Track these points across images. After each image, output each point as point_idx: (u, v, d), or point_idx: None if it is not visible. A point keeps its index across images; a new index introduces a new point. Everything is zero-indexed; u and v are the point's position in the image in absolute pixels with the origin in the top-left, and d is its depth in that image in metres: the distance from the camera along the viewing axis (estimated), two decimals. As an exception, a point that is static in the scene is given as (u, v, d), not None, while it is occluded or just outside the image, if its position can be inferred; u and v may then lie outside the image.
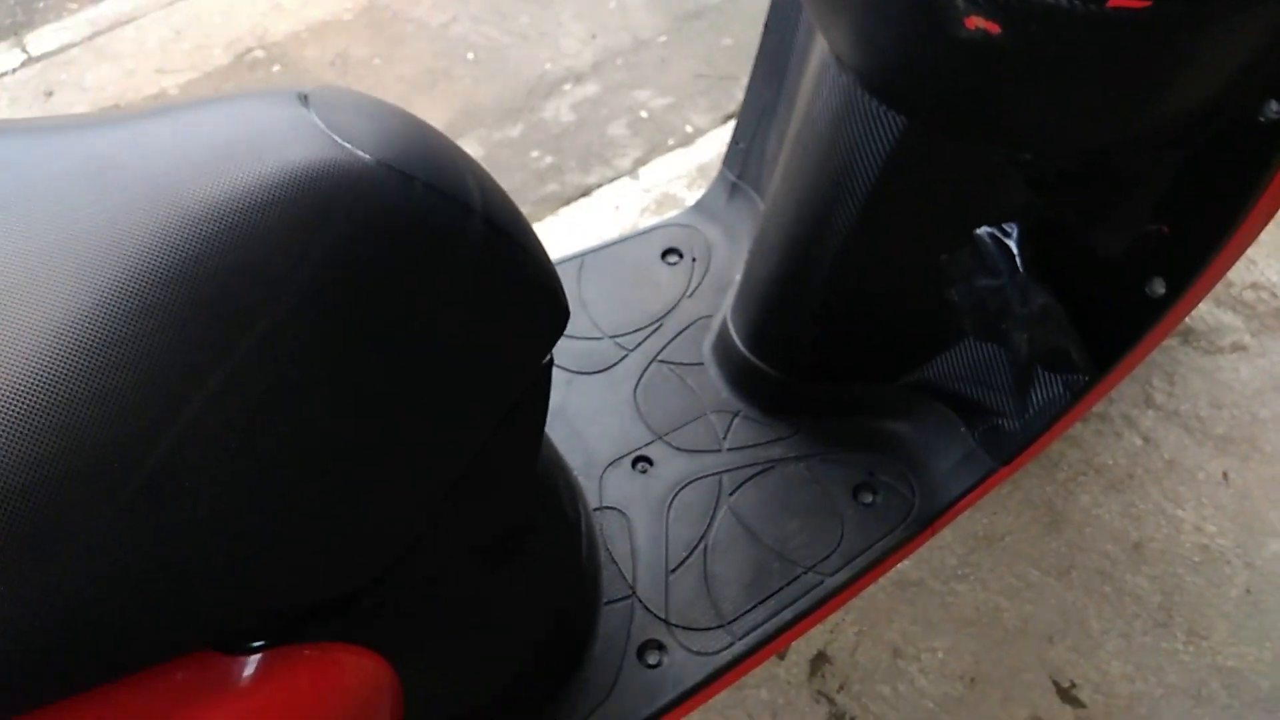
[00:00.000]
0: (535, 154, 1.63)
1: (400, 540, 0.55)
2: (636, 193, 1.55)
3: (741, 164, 1.09)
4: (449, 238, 0.53)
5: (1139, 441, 1.30)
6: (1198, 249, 0.69)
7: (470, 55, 1.82)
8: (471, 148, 1.63)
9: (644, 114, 1.68)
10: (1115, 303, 0.77)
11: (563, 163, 1.62)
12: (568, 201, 1.56)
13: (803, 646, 1.17)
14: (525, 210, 1.55)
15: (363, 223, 0.49)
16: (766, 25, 1.00)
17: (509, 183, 1.59)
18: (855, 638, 1.17)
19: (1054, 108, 0.63)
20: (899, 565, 1.22)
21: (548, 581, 0.76)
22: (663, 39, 1.81)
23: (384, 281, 0.50)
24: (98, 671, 0.44)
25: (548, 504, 0.75)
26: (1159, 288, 0.73)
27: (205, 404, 0.44)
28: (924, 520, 0.92)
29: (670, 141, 1.63)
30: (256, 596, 0.48)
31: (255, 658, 0.50)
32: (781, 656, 1.16)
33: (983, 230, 0.77)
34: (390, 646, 0.58)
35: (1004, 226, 0.77)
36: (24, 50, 1.91)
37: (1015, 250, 0.77)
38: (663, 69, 1.75)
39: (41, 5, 1.99)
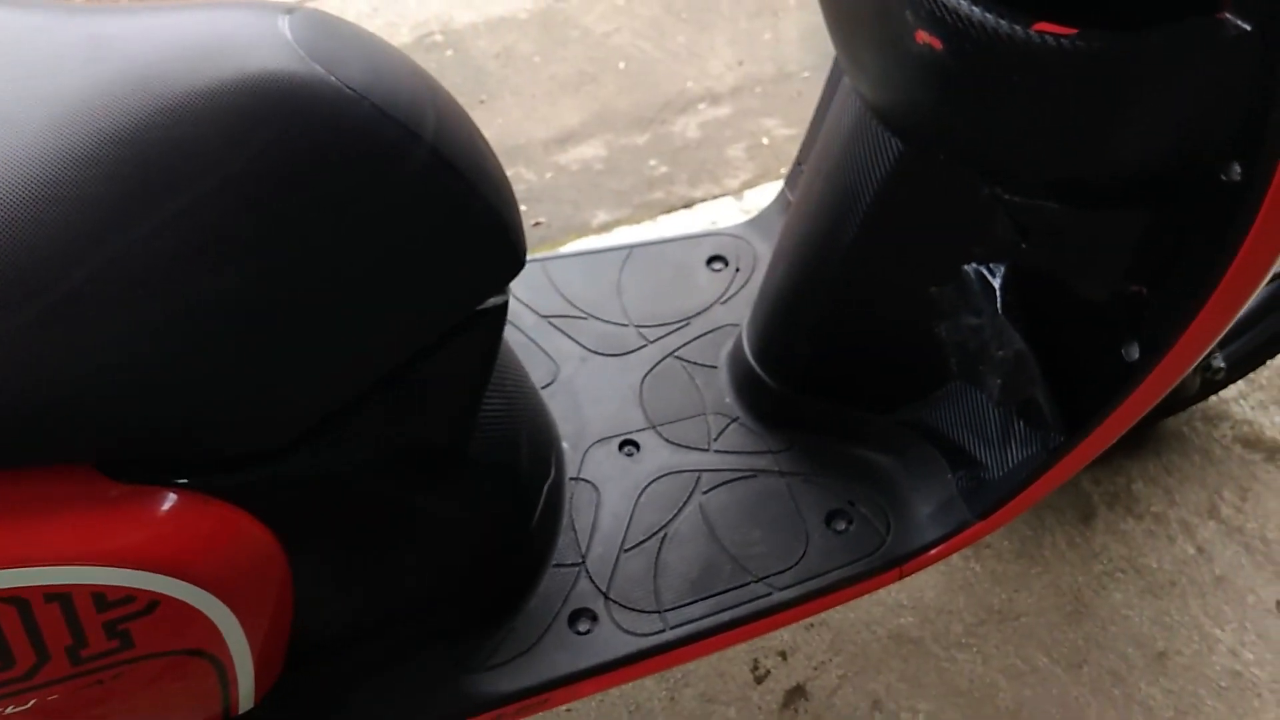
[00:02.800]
0: (653, 162, 1.69)
1: (294, 420, 0.60)
2: (735, 212, 1.58)
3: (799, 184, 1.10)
4: (387, 157, 0.58)
5: (1191, 550, 1.21)
6: (1171, 314, 0.66)
7: (621, 64, 1.90)
8: (594, 149, 1.70)
9: (765, 140, 1.71)
10: (1091, 363, 0.74)
11: (675, 174, 1.66)
12: (669, 210, 1.60)
13: (782, 676, 1.15)
14: (625, 211, 1.61)
15: (303, 128, 0.55)
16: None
17: (620, 184, 1.65)
18: (838, 680, 1.15)
19: (1000, 132, 0.62)
20: (900, 621, 1.19)
21: (479, 524, 0.80)
22: (806, 74, 1.83)
23: (312, 183, 0.56)
24: None
25: (496, 451, 0.80)
26: (1134, 352, 0.70)
27: (123, 250, 0.51)
28: (891, 560, 0.91)
29: (783, 170, 1.64)
30: (142, 432, 0.55)
31: (135, 489, 0.56)
32: (758, 680, 1.15)
33: (970, 266, 0.76)
34: (283, 525, 0.63)
35: (991, 265, 0.76)
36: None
37: (998, 291, 0.75)
38: (797, 102, 1.77)
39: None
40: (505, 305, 0.70)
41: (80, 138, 0.52)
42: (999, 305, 0.75)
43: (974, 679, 1.14)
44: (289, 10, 0.59)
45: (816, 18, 1.90)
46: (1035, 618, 1.18)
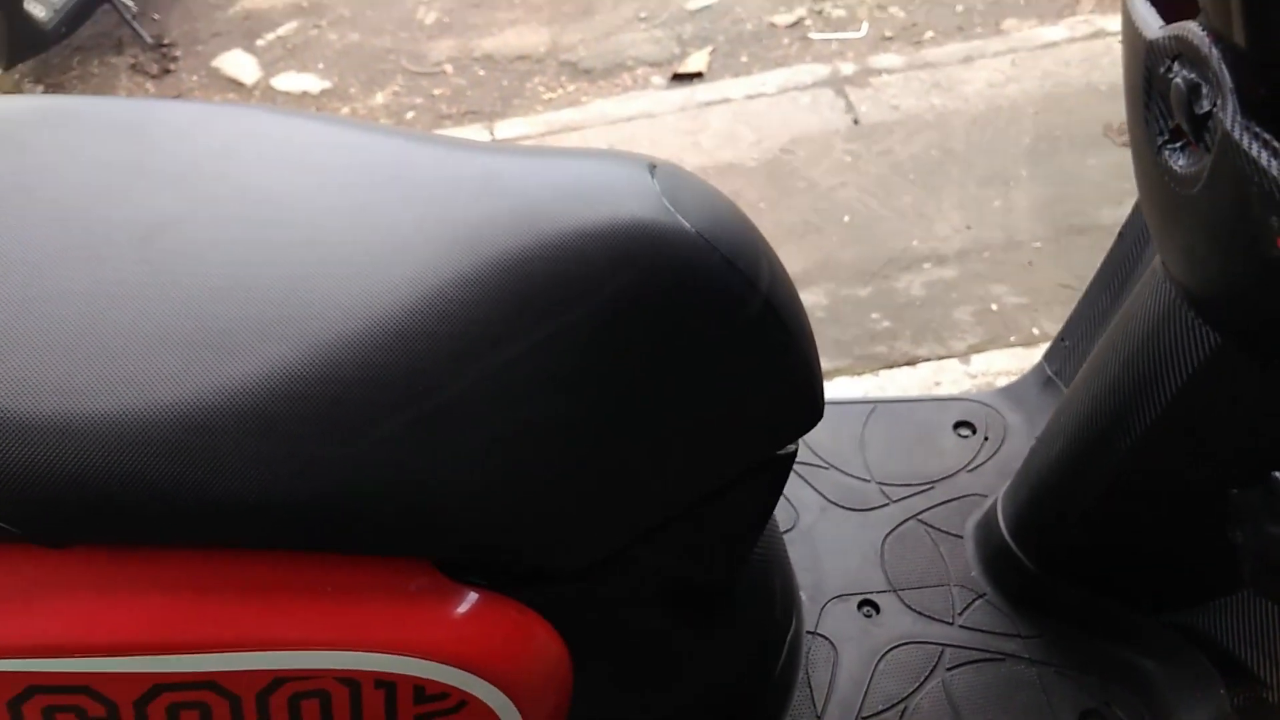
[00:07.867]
0: (875, 315, 1.70)
1: (600, 543, 0.62)
2: (960, 376, 1.56)
3: (1062, 360, 1.09)
4: (729, 304, 0.62)
5: None
6: None
7: (846, 218, 1.93)
8: (816, 296, 1.73)
9: (994, 306, 1.69)
10: None
11: (898, 330, 1.67)
12: (890, 365, 1.60)
13: None
14: (844, 361, 1.61)
15: (661, 271, 0.59)
16: (1121, 233, 1.01)
17: (841, 334, 1.67)
18: None
19: None
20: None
21: (728, 668, 0.79)
22: (1037, 244, 1.82)
23: (660, 323, 0.60)
24: (350, 540, 0.55)
25: (755, 594, 0.80)
26: None
27: (493, 369, 0.55)
28: (1152, 774, 0.84)
29: (1012, 338, 1.62)
30: (478, 538, 0.58)
31: (468, 591, 0.59)
32: None
33: (1283, 473, 0.73)
34: (575, 640, 0.65)
35: (1309, 475, 0.72)
36: (490, 133, 2.30)
37: (1317, 504, 0.71)
38: (1027, 271, 1.76)
39: (517, 102, 2.39)
40: (795, 454, 0.71)
41: (472, 263, 0.56)
42: (1317, 519, 0.71)
43: None
44: (654, 164, 0.64)
45: (1050, 190, 1.89)
46: None
